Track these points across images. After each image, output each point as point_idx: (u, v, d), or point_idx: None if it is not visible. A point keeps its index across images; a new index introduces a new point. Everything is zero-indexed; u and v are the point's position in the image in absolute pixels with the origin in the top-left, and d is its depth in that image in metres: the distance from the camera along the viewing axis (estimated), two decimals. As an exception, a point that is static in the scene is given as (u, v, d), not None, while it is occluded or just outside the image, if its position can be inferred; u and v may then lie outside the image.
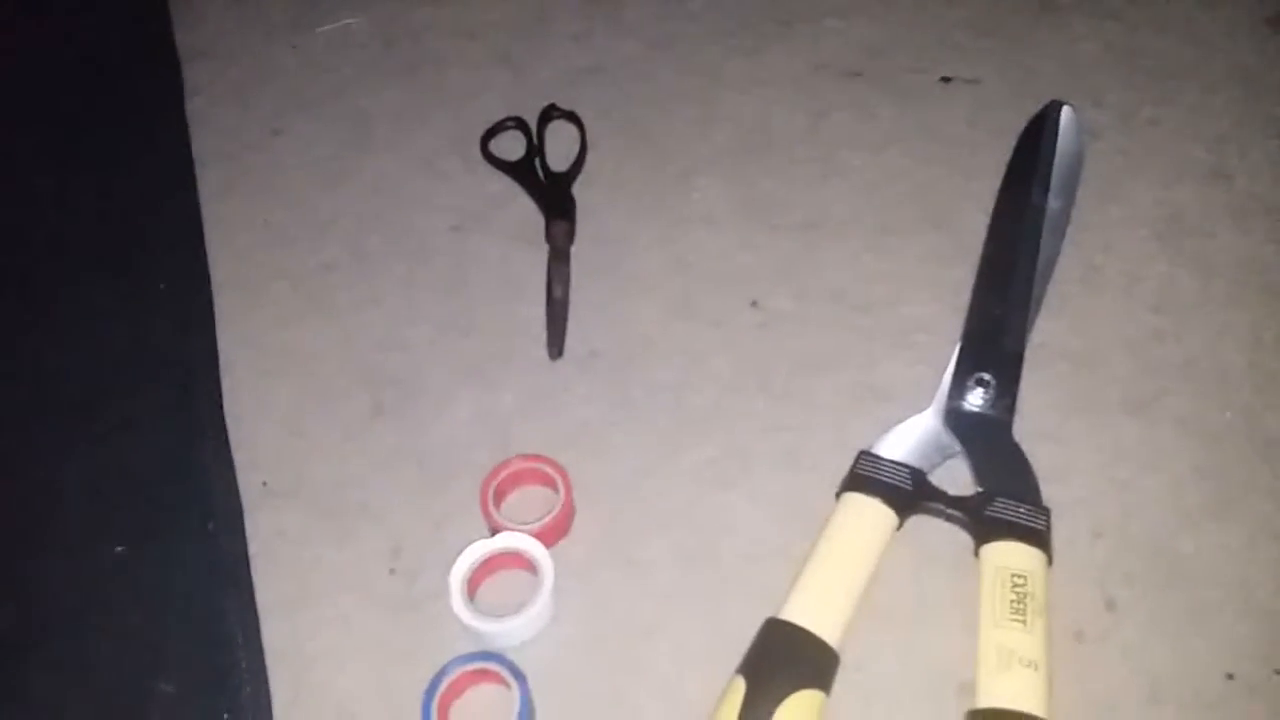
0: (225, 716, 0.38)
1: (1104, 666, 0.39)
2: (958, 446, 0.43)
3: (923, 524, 0.42)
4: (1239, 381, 0.45)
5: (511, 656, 0.39)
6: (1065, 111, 0.50)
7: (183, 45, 0.60)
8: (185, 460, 0.45)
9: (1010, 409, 0.44)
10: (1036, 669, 0.37)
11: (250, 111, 0.57)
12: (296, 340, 0.49)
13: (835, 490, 0.42)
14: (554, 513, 0.41)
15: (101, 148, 0.56)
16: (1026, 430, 0.43)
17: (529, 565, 0.41)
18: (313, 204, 0.54)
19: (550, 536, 0.41)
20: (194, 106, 0.57)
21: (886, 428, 0.44)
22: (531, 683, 0.38)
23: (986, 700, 0.36)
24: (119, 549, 0.43)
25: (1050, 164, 0.49)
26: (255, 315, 0.50)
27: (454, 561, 0.40)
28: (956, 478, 0.43)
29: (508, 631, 0.39)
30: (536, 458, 0.43)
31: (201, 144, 0.56)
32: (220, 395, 0.47)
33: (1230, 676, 0.38)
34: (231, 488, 0.44)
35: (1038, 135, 0.50)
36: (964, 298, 0.47)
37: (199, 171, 0.54)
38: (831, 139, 0.55)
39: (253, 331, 0.49)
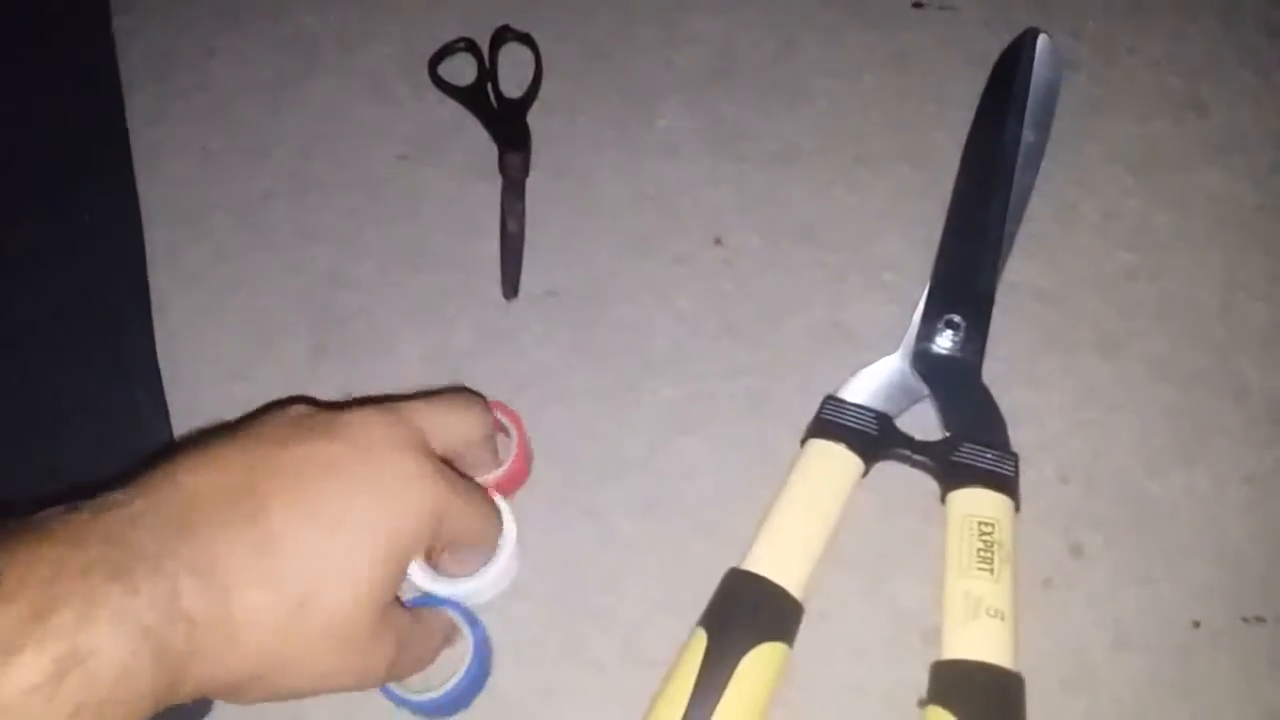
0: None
1: (1071, 613, 0.39)
2: (925, 390, 0.42)
3: (889, 470, 0.41)
4: (1212, 322, 0.44)
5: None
6: (1041, 40, 0.48)
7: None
8: (117, 405, 0.42)
9: (980, 351, 0.42)
10: (1003, 619, 0.36)
11: (183, 29, 0.54)
12: (236, 276, 0.46)
13: (800, 436, 0.41)
14: (507, 463, 0.40)
15: (20, 69, 0.52)
16: (996, 372, 0.42)
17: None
18: (252, 129, 0.50)
19: (507, 486, 0.40)
20: (122, 24, 0.53)
21: (853, 371, 0.42)
22: (490, 634, 0.37)
23: (952, 651, 0.36)
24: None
25: (1025, 95, 0.47)
26: (191, 250, 0.47)
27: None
28: (924, 422, 0.42)
29: (467, 594, 0.37)
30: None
31: (130, 65, 0.52)
32: (153, 336, 0.44)
33: (1197, 624, 0.38)
34: (166, 435, 0.42)
35: (1013, 65, 0.48)
36: (936, 235, 0.45)
37: (127, 95, 0.51)
38: (800, 66, 0.52)
39: (189, 267, 0.46)
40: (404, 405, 0.35)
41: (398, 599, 0.34)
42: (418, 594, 0.37)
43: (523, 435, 0.40)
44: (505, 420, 0.41)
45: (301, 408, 0.34)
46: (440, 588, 0.37)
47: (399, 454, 0.32)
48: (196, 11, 0.54)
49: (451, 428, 0.36)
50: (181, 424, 0.42)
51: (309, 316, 0.45)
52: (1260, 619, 0.38)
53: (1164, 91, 0.51)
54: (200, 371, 0.44)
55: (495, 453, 0.40)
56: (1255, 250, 0.46)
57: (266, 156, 0.50)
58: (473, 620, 0.37)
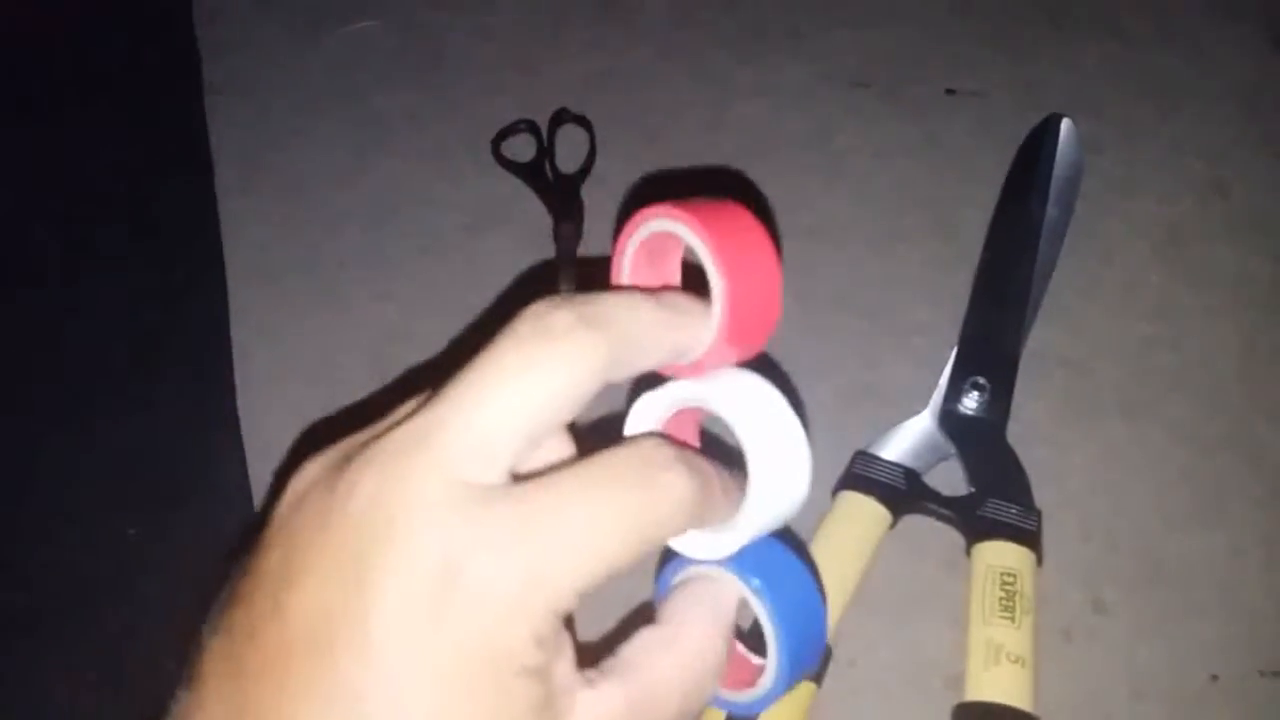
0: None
1: (1090, 664, 0.40)
2: (952, 448, 0.44)
3: (916, 523, 0.43)
4: (1231, 390, 0.46)
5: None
6: (1065, 124, 0.51)
7: (204, 44, 0.61)
8: (197, 449, 0.46)
9: (1004, 413, 0.45)
10: (1023, 665, 0.38)
11: (269, 111, 0.59)
12: (310, 332, 0.50)
13: (831, 488, 0.43)
14: (709, 337, 0.27)
15: (117, 142, 0.57)
16: (1021, 434, 0.44)
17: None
18: (329, 200, 0.55)
19: (722, 357, 0.29)
20: (213, 104, 0.59)
21: (884, 429, 0.45)
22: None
23: (974, 693, 0.37)
24: (131, 531, 0.44)
25: (1049, 175, 0.50)
26: (270, 307, 0.51)
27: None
28: (950, 479, 0.44)
29: (733, 544, 0.26)
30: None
31: (220, 141, 0.57)
32: (233, 385, 0.48)
33: (1214, 677, 0.39)
34: (243, 477, 0.45)
35: (1037, 146, 0.51)
36: (963, 304, 0.48)
37: (217, 168, 0.56)
38: (837, 147, 0.56)
39: (267, 323, 0.50)
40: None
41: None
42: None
43: (728, 273, 0.24)
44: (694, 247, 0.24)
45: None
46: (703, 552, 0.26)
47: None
48: (282, 95, 0.60)
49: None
50: (257, 464, 0.46)
51: (377, 370, 0.49)
52: (1276, 674, 0.39)
53: (1187, 173, 0.54)
54: (275, 418, 0.47)
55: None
56: (1273, 323, 0.48)
57: (342, 225, 0.54)
58: (765, 573, 0.26)
